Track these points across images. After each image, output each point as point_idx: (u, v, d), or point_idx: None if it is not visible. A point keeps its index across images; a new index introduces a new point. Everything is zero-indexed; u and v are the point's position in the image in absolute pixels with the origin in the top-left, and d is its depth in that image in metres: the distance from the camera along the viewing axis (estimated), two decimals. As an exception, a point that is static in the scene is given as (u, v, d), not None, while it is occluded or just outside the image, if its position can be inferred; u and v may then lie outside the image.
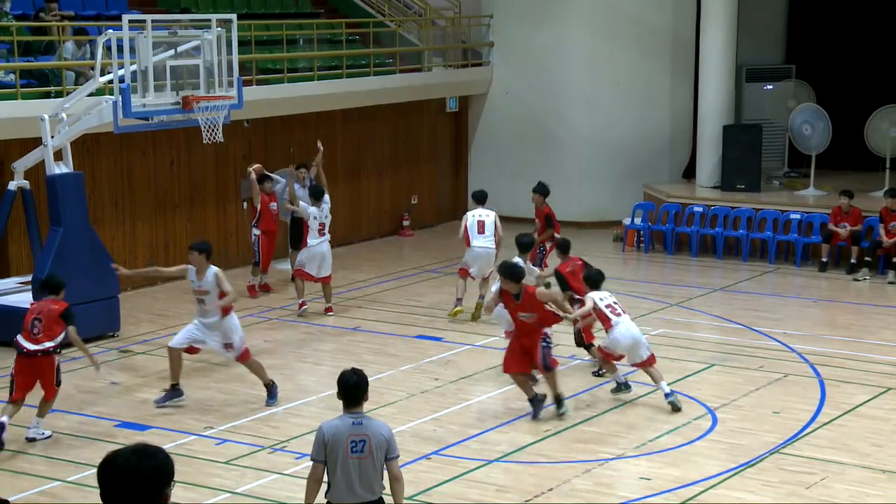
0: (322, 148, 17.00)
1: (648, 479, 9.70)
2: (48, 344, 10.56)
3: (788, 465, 10.00)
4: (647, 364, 11.54)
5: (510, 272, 10.76)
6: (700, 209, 19.86)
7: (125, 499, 3.60)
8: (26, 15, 16.34)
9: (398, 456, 7.03)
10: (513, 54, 22.61)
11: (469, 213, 15.44)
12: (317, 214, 15.15)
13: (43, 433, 10.72)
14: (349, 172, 20.59)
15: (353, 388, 6.96)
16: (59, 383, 10.80)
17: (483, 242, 15.04)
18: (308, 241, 15.30)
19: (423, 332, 14.50)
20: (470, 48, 22.98)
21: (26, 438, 10.55)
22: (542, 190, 16.01)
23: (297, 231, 16.52)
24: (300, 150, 19.33)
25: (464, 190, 23.39)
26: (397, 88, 20.80)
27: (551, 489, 9.37)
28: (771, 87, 22.28)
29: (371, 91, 20.16)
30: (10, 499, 3.97)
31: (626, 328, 11.48)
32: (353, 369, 7.09)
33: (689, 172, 21.81)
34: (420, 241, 21.27)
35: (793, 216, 19.11)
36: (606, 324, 11.55)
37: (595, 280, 11.86)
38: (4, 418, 10.38)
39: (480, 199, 15.61)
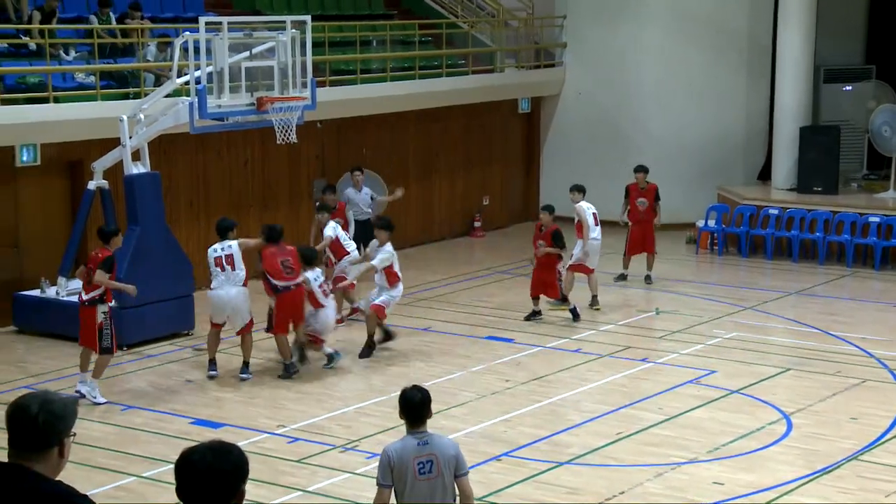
0: (400, 195, 17.06)
1: (721, 484, 9.57)
2: (85, 296, 11.59)
3: (866, 473, 9.80)
4: None
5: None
6: (776, 211, 19.56)
7: (201, 495, 3.63)
8: (81, 17, 16.66)
9: (468, 473, 6.55)
10: (586, 55, 22.48)
11: (583, 204, 15.50)
12: (312, 279, 12.65)
13: (95, 398, 11.41)
14: (421, 173, 20.64)
15: (417, 406, 6.50)
16: (106, 348, 11.53)
17: (598, 234, 15.46)
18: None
19: (493, 333, 14.49)
20: (543, 49, 22.90)
21: (75, 391, 11.30)
22: (550, 209, 15.06)
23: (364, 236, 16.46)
24: (373, 151, 19.44)
25: (535, 191, 23.33)
26: (470, 89, 20.80)
27: (622, 492, 9.29)
28: (850, 87, 21.86)
29: (443, 92, 20.19)
30: (88, 493, 4.03)
31: None
32: (416, 386, 6.63)
33: (765, 174, 21.48)
34: (491, 242, 21.24)
35: (871, 219, 18.73)
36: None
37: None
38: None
39: (583, 189, 15.79)
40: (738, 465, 10.01)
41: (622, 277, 17.34)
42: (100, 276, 11.45)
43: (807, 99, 20.56)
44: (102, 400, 11.58)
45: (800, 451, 10.37)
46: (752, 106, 22.00)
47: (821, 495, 9.33)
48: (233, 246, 12.59)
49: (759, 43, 21.72)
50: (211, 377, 12.57)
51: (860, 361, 13.23)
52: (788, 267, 18.81)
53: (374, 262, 13.36)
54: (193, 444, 3.76)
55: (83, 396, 11.45)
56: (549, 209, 14.79)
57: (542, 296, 14.92)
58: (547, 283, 14.74)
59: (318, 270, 12.86)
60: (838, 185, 20.07)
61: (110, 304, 11.80)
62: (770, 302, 16.34)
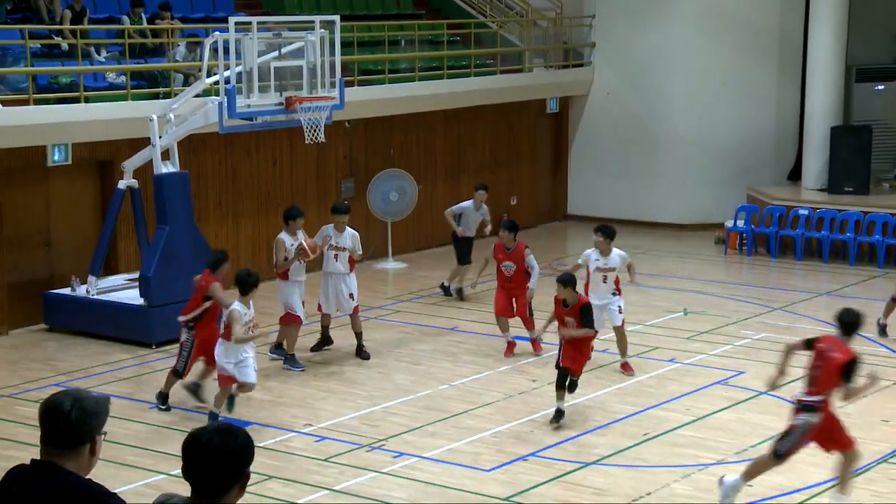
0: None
1: (750, 486, 9.50)
2: (182, 319, 11.50)
3: (897, 476, 9.72)
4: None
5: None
6: (806, 212, 19.43)
7: (207, 475, 3.70)
8: (113, 18, 16.78)
9: None
10: (615, 55, 22.41)
11: (615, 254, 12.74)
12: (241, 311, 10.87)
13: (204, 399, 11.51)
14: (449, 173, 20.64)
15: None
16: (177, 371, 11.50)
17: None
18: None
19: (520, 333, 14.46)
20: (571, 49, 22.85)
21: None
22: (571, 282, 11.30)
23: (463, 248, 16.29)
24: (401, 151, 19.46)
25: (563, 191, 23.29)
26: (498, 89, 20.79)
27: (649, 493, 9.26)
28: (882, 87, 21.67)
29: (471, 92, 20.19)
30: (117, 490, 4.07)
31: None
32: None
33: (795, 175, 21.35)
34: (519, 242, 21.16)
35: (903, 220, 18.58)
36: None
37: None
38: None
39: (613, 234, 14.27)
40: (767, 466, 9.94)
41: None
42: (215, 290, 11.24)
43: (838, 98, 20.40)
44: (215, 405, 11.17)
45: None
46: (783, 105, 21.86)
47: (850, 498, 9.24)
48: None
49: (790, 42, 21.58)
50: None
51: (892, 363, 13.11)
52: (818, 268, 18.68)
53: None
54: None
55: (215, 416, 10.86)
56: (570, 282, 11.06)
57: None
58: (579, 357, 11.17)
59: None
60: (870, 186, 19.91)
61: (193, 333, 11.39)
62: (799, 303, 16.23)
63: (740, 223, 19.93)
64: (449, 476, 9.78)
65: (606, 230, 12.67)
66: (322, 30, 13.74)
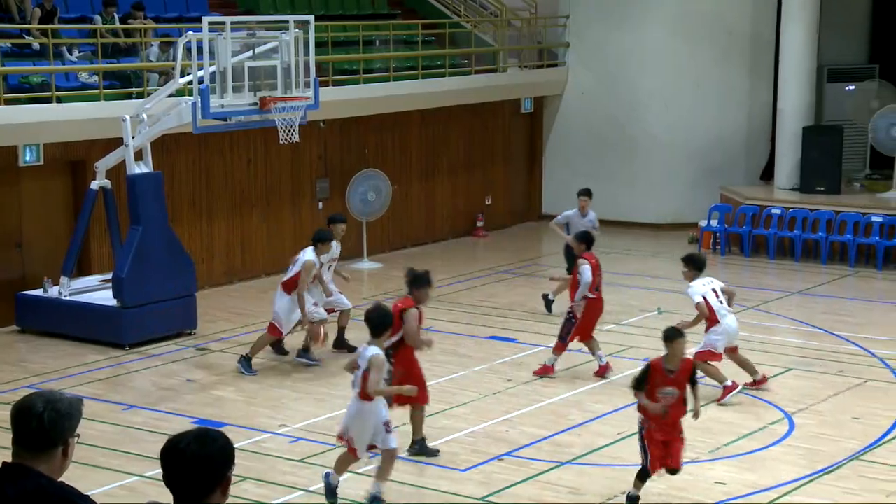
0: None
1: (724, 484, 9.57)
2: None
3: (869, 473, 9.80)
4: None
5: None
6: (778, 211, 19.55)
7: (188, 482, 3.66)
8: (85, 17, 16.68)
9: None
10: (589, 55, 22.47)
11: (697, 285, 11.77)
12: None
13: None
14: (424, 173, 20.64)
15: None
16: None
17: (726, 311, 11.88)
18: None
19: (495, 333, 14.48)
20: (546, 49, 22.89)
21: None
22: (678, 336, 9.36)
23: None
24: (376, 150, 19.45)
25: (538, 191, 23.33)
26: (472, 89, 20.80)
27: (624, 492, 9.28)
28: (853, 87, 21.84)
29: (446, 92, 20.19)
30: (90, 492, 4.05)
31: None
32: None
33: (768, 174, 21.48)
34: (494, 242, 21.23)
35: (874, 219, 18.72)
36: None
37: None
38: None
39: (698, 264, 12.24)
40: (740, 464, 10.01)
41: None
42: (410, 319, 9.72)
43: (810, 98, 20.55)
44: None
45: (802, 450, 10.37)
46: (755, 106, 21.99)
47: (823, 495, 9.32)
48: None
49: (762, 43, 21.71)
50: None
51: (863, 361, 13.22)
52: (791, 267, 18.80)
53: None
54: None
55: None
56: (678, 335, 9.09)
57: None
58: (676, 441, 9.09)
59: None
60: (841, 185, 20.06)
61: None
62: (772, 302, 16.33)
63: (714, 223, 20.02)
64: (424, 476, 9.78)
65: None
66: (297, 30, 13.71)
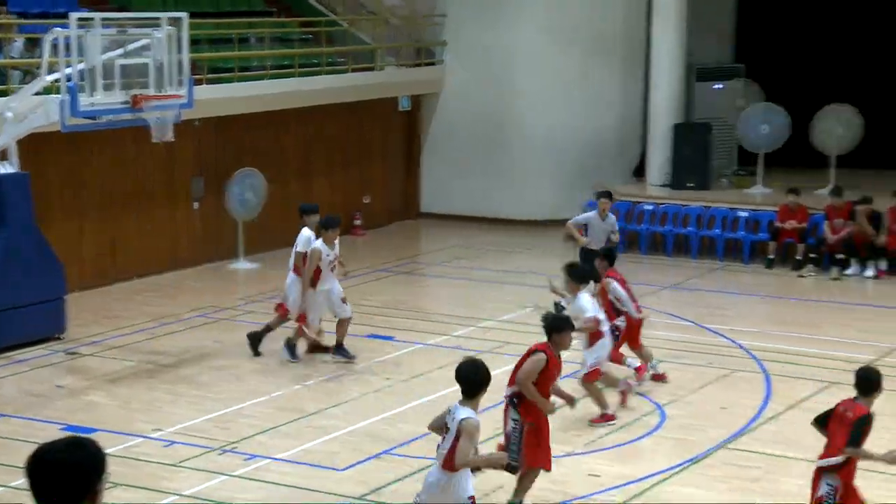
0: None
1: (598, 476, 9.77)
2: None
3: (735, 460, 10.13)
4: None
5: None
6: (650, 207, 20.01)
7: (55, 493, 3.50)
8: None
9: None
10: (466, 53, 22.63)
11: None
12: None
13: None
14: (301, 171, 20.51)
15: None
16: (512, 467, 8.82)
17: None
18: None
19: (374, 332, 14.49)
20: (423, 47, 22.98)
21: None
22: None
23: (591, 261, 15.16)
24: (252, 150, 19.24)
25: (416, 189, 23.40)
26: (350, 87, 20.75)
27: (501, 487, 9.40)
28: (721, 86, 22.47)
29: (323, 90, 20.10)
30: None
31: None
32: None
33: (640, 171, 21.96)
34: (372, 240, 21.23)
35: (741, 214, 19.33)
36: None
37: None
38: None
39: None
40: (614, 456, 10.25)
41: None
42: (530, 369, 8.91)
43: (680, 96, 21.09)
44: None
45: (673, 441, 10.66)
46: (627, 104, 22.46)
47: (693, 483, 9.60)
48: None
49: (633, 43, 22.17)
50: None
51: (730, 352, 13.64)
52: (662, 261, 19.27)
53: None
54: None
55: None
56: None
57: None
58: None
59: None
60: (710, 182, 20.64)
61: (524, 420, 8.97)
62: (645, 296, 16.64)
63: (588, 219, 20.35)
64: (302, 476, 9.75)
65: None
66: (169, 27, 13.48)
